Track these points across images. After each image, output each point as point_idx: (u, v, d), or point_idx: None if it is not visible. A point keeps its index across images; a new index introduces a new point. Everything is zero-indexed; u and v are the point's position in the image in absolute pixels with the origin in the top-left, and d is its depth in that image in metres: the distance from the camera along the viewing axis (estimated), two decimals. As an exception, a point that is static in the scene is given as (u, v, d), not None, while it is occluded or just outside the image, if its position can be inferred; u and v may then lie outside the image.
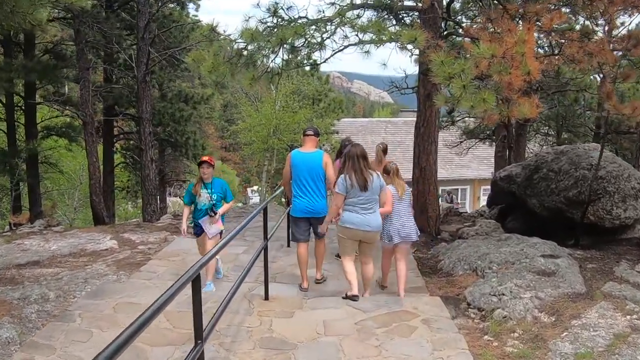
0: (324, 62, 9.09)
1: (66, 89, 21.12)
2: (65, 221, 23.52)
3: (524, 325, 5.47)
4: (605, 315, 5.52)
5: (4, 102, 16.87)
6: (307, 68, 27.01)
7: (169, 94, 21.21)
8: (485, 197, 24.57)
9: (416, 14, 10.32)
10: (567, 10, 9.57)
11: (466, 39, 8.56)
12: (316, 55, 9.00)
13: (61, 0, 8.26)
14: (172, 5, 19.49)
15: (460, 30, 11.12)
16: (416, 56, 10.58)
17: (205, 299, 6.09)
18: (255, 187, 37.77)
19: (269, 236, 6.35)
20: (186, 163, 25.56)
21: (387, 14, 9.83)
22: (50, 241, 9.51)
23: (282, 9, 8.79)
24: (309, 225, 6.97)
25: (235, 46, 8.77)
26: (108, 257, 8.65)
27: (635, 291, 6.19)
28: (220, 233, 7.01)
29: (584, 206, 8.70)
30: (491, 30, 7.92)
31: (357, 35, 8.19)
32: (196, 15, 22.23)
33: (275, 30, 8.41)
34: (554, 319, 5.55)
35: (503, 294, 6.07)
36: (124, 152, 22.14)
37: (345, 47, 8.55)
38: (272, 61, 8.63)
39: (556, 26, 8.65)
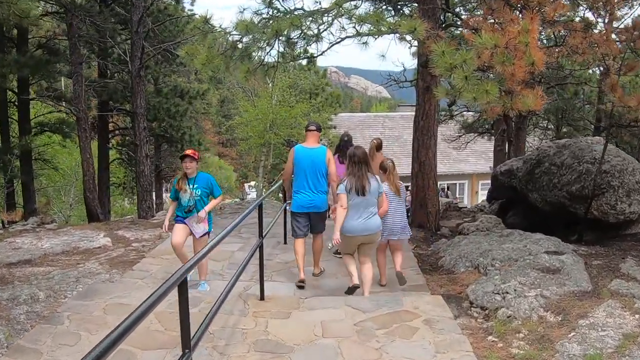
0: (321, 54, 8.92)
1: (62, 85, 20.91)
2: (61, 218, 23.32)
3: (529, 325, 5.28)
4: (613, 314, 5.32)
5: (-3, 97, 16.62)
6: (304, 61, 26.81)
7: (165, 89, 20.96)
8: (484, 192, 24.44)
9: (415, 5, 10.10)
10: (567, 1, 9.38)
11: (466, 30, 8.35)
12: (313, 48, 8.80)
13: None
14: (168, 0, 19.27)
15: (459, 22, 10.93)
16: (415, 48, 10.39)
17: (199, 298, 5.94)
18: (252, 183, 37.52)
19: (264, 233, 6.13)
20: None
21: (385, 5, 9.62)
22: (42, 239, 9.31)
23: (278, 0, 8.59)
24: (308, 221, 6.97)
25: (230, 38, 8.56)
26: (101, 255, 8.46)
27: (643, 289, 6.00)
28: (207, 234, 6.70)
29: (588, 201, 8.50)
30: (491, 21, 7.74)
31: (354, 27, 7.98)
32: (192, 10, 22.01)
33: (271, 22, 8.19)
34: (560, 319, 5.35)
35: (507, 293, 5.87)
36: (120, 148, 21.90)
37: (343, 39, 8.35)
38: (267, 54, 8.41)
39: (559, 17, 8.47)
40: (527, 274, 6.28)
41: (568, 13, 9.31)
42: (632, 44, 8.25)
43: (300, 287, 6.77)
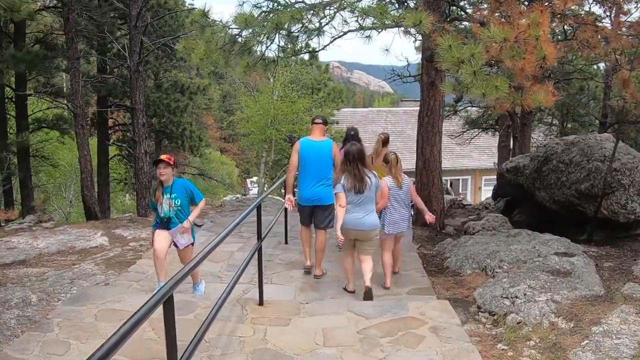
0: (323, 49, 8.68)
1: (63, 81, 20.66)
2: (61, 215, 23.15)
3: (540, 331, 5.04)
4: (627, 321, 5.08)
5: (-6, 93, 16.40)
6: (305, 56, 26.50)
7: (165, 84, 20.70)
8: (487, 188, 24.18)
9: (419, -3, 9.82)
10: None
11: (473, 23, 8.09)
12: (314, 42, 8.54)
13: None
14: (167, -7, 19.00)
15: (464, 16, 10.66)
16: (419, 42, 10.13)
17: (195, 303, 5.70)
18: (254, 179, 37.28)
19: (264, 235, 5.89)
20: (183, 155, 25.14)
21: (389, -2, 9.36)
22: (38, 238, 9.10)
23: (278, -7, 8.33)
24: (312, 214, 7.04)
25: (229, 32, 8.30)
26: (97, 255, 8.25)
27: (658, 293, 5.75)
28: (192, 244, 6.22)
29: (598, 200, 8.24)
30: (497, 14, 7.52)
31: (357, 20, 7.73)
32: (192, 4, 21.73)
33: (271, 15, 7.94)
34: (572, 325, 5.11)
35: (516, 297, 5.63)
36: (119, 144, 21.66)
37: (345, 33, 8.11)
38: (267, 48, 8.18)
39: (569, 11, 8.22)
40: (537, 277, 6.04)
41: (575, 6, 9.07)
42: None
43: (307, 273, 7.03)
